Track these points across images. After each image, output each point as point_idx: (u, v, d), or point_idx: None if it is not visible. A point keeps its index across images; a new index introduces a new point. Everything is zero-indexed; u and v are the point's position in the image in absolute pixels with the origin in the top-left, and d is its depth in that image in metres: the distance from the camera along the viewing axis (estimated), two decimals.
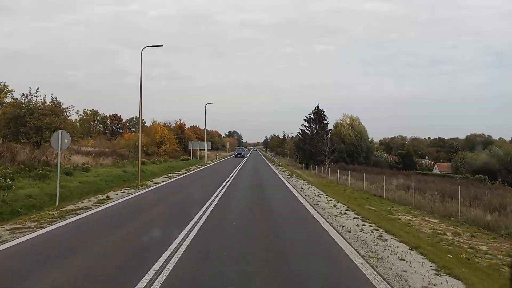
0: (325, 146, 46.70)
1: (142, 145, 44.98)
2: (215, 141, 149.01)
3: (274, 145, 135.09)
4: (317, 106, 61.67)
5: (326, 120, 61.64)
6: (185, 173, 29.63)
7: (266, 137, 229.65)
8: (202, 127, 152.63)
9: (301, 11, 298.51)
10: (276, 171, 35.33)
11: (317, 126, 61.48)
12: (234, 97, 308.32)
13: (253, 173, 31.85)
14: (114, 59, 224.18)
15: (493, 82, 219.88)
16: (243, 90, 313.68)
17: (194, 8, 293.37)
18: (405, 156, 72.37)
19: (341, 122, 65.49)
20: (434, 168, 77.85)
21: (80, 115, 68.27)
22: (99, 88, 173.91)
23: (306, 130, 62.45)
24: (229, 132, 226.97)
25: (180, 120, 63.67)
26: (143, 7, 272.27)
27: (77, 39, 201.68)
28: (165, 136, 50.81)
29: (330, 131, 62.15)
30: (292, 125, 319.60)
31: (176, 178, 24.79)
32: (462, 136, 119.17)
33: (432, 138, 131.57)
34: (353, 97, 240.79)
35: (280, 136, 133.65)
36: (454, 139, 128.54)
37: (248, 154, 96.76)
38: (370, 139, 68.73)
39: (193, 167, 36.60)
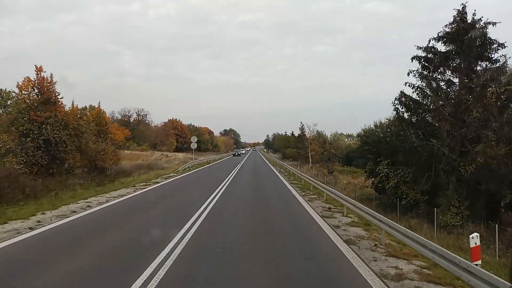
0: None
1: None
2: (203, 139, 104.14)
3: (281, 145, 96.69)
4: (462, 10, 20.40)
5: (494, 55, 20.34)
6: None
7: (267, 136, 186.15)
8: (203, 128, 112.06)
9: (301, 11, 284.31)
10: None
11: (460, 76, 20.23)
12: (234, 97, 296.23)
13: None
14: (114, 59, 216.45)
15: None
16: (243, 90, 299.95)
17: (194, 8, 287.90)
18: None
19: None
20: None
21: None
22: (99, 88, 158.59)
23: (427, 91, 21.20)
24: (225, 130, 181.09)
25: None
26: (143, 7, 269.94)
27: (77, 39, 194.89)
28: None
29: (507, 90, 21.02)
30: (293, 127, 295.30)
31: None
32: None
33: None
34: (353, 97, 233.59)
35: (289, 133, 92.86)
36: None
37: (241, 163, 49.28)
38: None
39: None
